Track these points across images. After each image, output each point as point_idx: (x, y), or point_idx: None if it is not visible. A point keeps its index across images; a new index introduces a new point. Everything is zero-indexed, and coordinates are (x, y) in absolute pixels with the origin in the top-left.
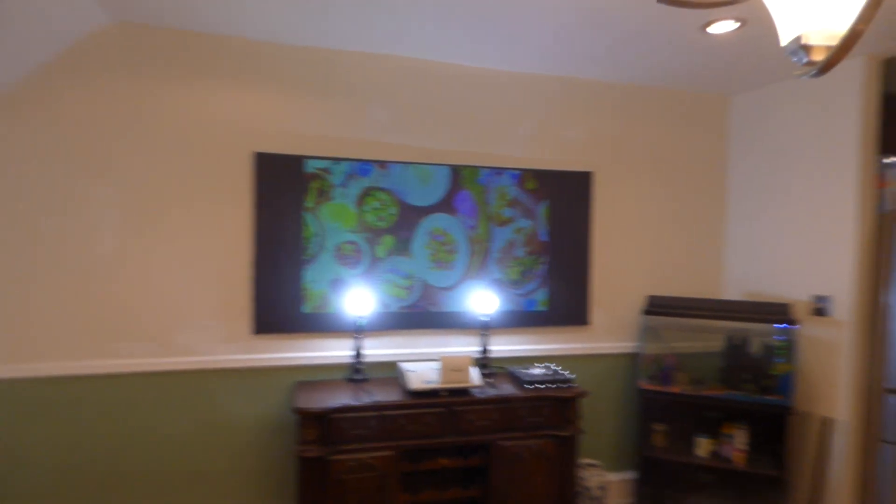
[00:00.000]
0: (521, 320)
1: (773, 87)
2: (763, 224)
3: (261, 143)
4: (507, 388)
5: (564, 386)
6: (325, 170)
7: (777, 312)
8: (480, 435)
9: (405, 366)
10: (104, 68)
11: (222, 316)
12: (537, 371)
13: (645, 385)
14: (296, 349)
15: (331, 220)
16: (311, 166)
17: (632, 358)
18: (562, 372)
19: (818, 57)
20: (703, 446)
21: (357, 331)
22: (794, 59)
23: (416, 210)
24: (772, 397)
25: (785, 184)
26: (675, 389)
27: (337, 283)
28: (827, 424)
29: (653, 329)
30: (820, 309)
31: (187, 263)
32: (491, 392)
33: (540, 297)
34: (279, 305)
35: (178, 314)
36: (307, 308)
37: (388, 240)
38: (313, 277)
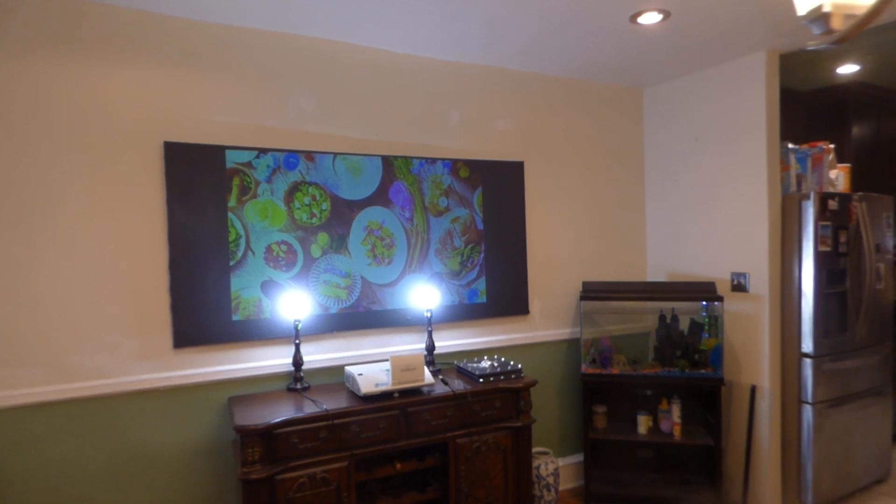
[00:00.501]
0: (463, 313)
1: (684, 78)
2: (678, 209)
3: (172, 131)
4: (458, 384)
5: (514, 377)
6: (248, 164)
7: (703, 291)
8: (437, 434)
9: (352, 369)
10: None
11: (135, 330)
12: (486, 364)
13: (586, 369)
14: (226, 361)
15: (258, 220)
16: (232, 160)
17: (570, 344)
18: (510, 363)
19: (837, 26)
20: (643, 423)
21: (295, 336)
22: (814, 28)
23: (349, 204)
24: (704, 371)
25: (697, 169)
26: (615, 371)
27: (269, 287)
28: (754, 392)
29: (589, 314)
30: (738, 285)
31: (87, 271)
32: (444, 389)
33: (481, 287)
34: (203, 314)
35: (77, 331)
36: (236, 315)
37: (322, 238)
38: (242, 283)
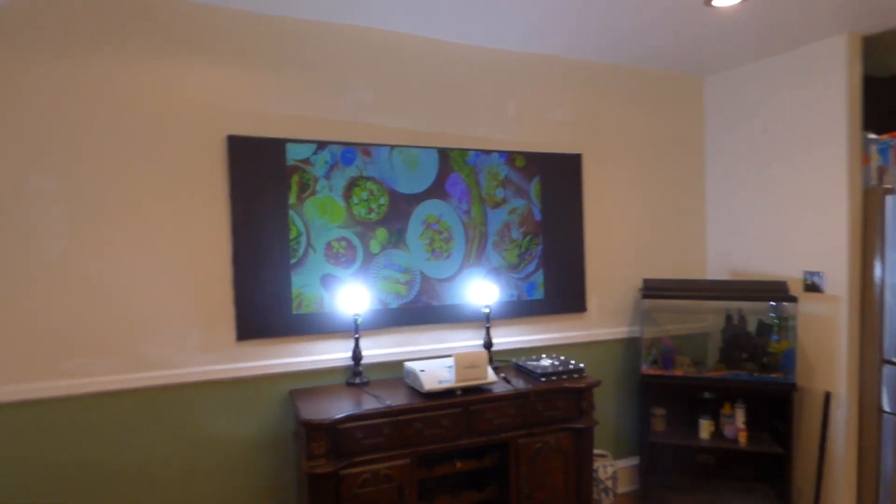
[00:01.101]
0: (520, 310)
1: (751, 65)
2: (743, 203)
3: (234, 125)
4: (520, 383)
5: (577, 376)
6: (306, 161)
7: (774, 290)
8: (498, 434)
9: (413, 365)
10: (42, 38)
11: (200, 322)
12: (546, 362)
13: (647, 370)
14: (287, 354)
15: (317, 216)
16: (292, 157)
17: (628, 343)
18: (571, 362)
19: None
20: (704, 428)
21: (354, 331)
22: None
23: (407, 198)
24: (773, 375)
25: (765, 162)
26: (678, 372)
27: (329, 281)
28: (828, 399)
29: (648, 312)
30: (812, 285)
31: (155, 264)
32: (506, 387)
33: (538, 280)
34: (265, 307)
35: (147, 322)
36: (298, 309)
37: (380, 233)
38: (303, 280)
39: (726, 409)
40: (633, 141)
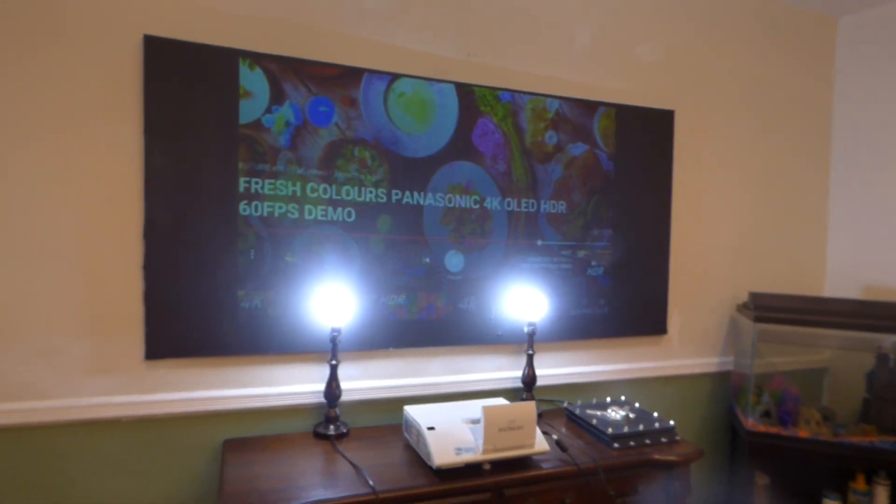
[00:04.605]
0: (573, 328)
1: None
2: (885, 193)
3: (157, 19)
4: (580, 446)
5: (665, 441)
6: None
7: None
8: None
9: (417, 414)
10: None
11: (88, 328)
12: (616, 413)
13: (755, 425)
14: (224, 383)
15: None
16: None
17: (716, 379)
18: (654, 416)
19: None
20: None
21: (332, 353)
22: None
23: (417, 165)
24: None
25: None
26: (803, 433)
27: (294, 273)
28: None
29: (739, 338)
30: None
31: (18, 234)
32: (559, 457)
33: (601, 281)
34: (194, 310)
35: (2, 326)
36: (243, 316)
37: (383, 223)
38: (255, 271)
39: (860, 484)
40: (741, 100)
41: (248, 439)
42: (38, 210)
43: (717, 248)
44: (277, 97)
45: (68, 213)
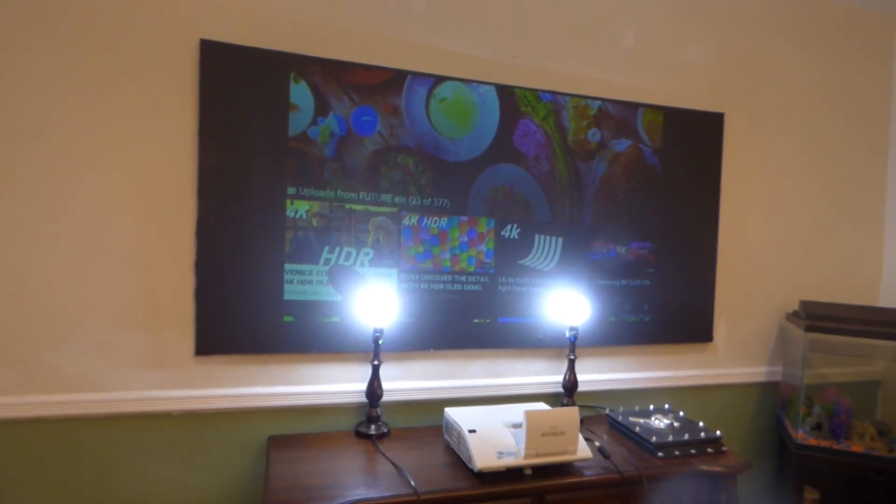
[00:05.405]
0: (616, 334)
1: None
2: None
3: (214, 24)
4: (622, 453)
5: (712, 450)
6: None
7: None
8: None
9: (458, 416)
10: None
11: (141, 323)
12: (660, 422)
13: (805, 438)
14: (270, 380)
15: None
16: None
17: (763, 389)
18: (700, 426)
19: None
20: None
21: (374, 354)
22: None
23: (460, 170)
24: None
25: None
26: (856, 448)
27: (341, 275)
28: None
29: (790, 346)
30: None
31: (76, 230)
32: (602, 464)
33: (643, 284)
34: (243, 308)
35: (59, 319)
36: (290, 316)
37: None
38: (301, 269)
39: None
40: (794, 103)
41: (291, 436)
42: (98, 207)
43: (767, 253)
44: (322, 109)
45: (127, 210)
